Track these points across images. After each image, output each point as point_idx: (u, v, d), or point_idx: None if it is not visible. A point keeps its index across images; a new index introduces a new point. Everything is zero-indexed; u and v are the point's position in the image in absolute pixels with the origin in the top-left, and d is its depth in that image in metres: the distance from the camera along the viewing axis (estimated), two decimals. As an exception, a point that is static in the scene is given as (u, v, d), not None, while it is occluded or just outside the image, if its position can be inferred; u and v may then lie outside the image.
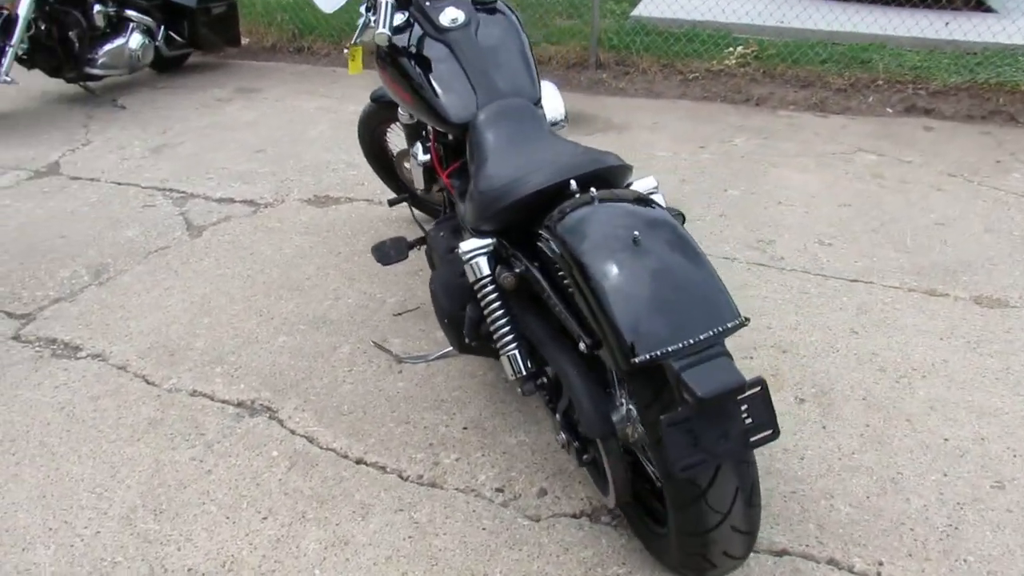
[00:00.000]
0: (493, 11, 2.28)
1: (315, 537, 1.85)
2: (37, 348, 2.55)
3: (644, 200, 1.57)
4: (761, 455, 2.00)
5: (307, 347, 2.53)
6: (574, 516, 1.87)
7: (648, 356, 1.31)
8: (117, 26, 5.11)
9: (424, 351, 2.48)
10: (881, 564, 1.73)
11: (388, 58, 2.24)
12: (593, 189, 1.56)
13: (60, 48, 4.83)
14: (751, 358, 2.46)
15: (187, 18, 5.53)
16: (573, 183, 1.62)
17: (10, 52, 4.52)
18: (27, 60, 4.82)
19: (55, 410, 2.26)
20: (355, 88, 5.31)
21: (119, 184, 3.82)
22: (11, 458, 2.09)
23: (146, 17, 5.28)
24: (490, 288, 1.75)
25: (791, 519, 1.84)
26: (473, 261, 1.74)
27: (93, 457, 2.09)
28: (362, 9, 2.25)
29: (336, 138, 4.38)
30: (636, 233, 1.41)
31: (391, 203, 2.92)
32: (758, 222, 3.36)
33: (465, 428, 2.16)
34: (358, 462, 2.07)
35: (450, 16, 2.16)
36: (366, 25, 2.23)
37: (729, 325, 1.34)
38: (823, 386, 2.29)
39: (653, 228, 1.45)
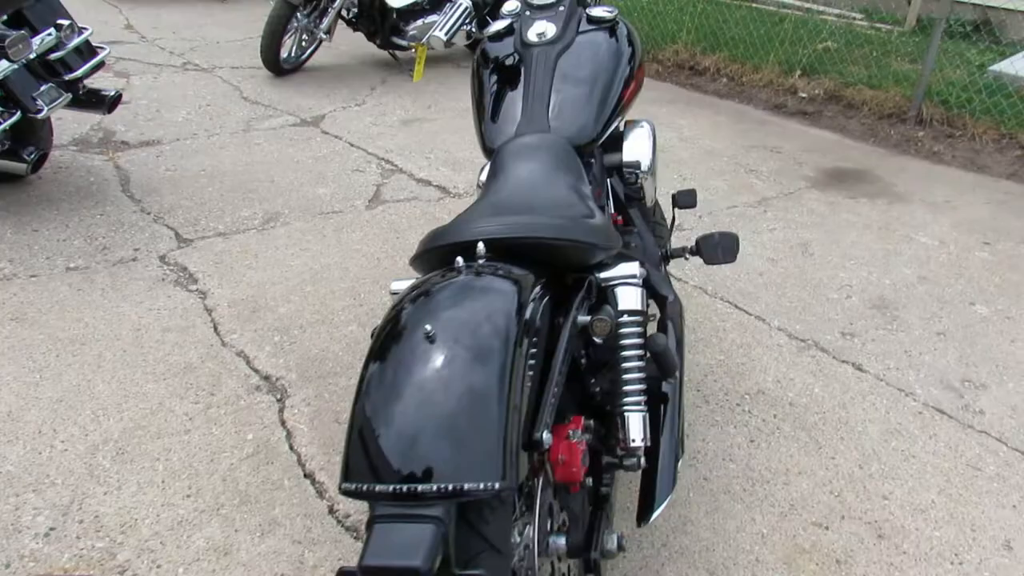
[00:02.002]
0: (608, 31, 1.94)
1: (208, 535, 1.78)
2: (167, 271, 2.83)
3: (514, 291, 1.19)
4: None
5: (364, 344, 2.46)
6: None
7: (355, 487, 0.99)
8: (439, 2, 5.45)
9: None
10: None
11: (474, 65, 2.03)
12: (458, 261, 1.22)
13: (379, 16, 5.31)
14: (825, 528, 1.84)
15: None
16: (480, 246, 1.30)
17: (331, 13, 5.07)
18: (353, 23, 5.39)
19: (131, 329, 2.48)
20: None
21: (351, 145, 4.10)
22: (70, 358, 2.33)
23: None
24: None
25: None
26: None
27: (120, 383, 2.25)
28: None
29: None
30: (429, 328, 1.07)
31: None
32: (982, 358, 2.52)
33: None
34: (307, 476, 1.95)
35: (538, 30, 1.89)
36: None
37: (467, 487, 0.96)
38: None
39: (472, 329, 1.09)
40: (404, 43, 5.41)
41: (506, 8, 2.03)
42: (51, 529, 1.79)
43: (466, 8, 1.88)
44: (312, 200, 3.45)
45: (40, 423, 2.08)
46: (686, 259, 2.50)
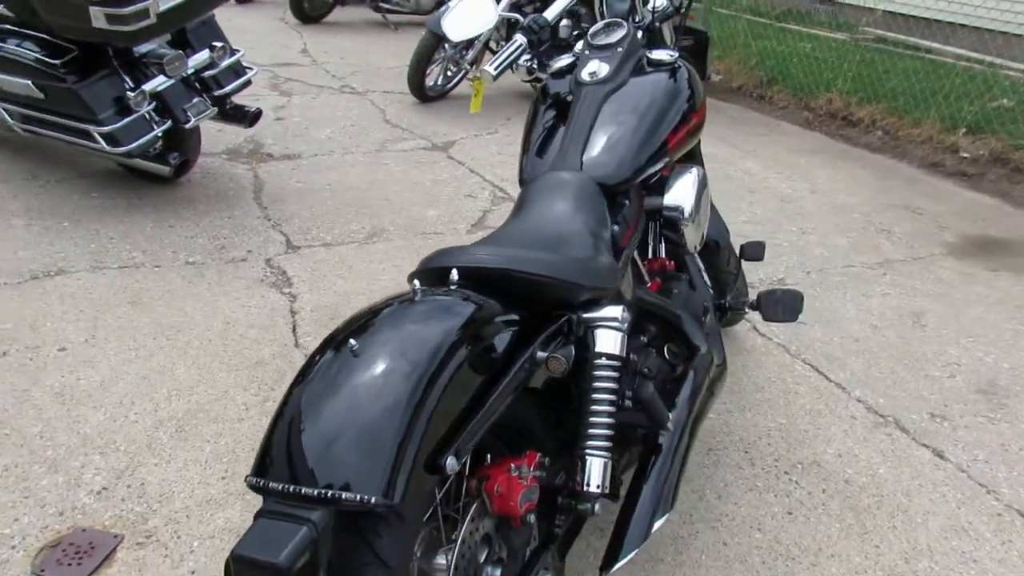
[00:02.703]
0: (668, 74, 1.93)
1: (228, 516, 1.92)
2: (268, 273, 3.07)
3: (460, 318, 1.21)
4: None
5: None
6: None
7: (254, 481, 1.05)
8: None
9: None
10: None
11: (534, 99, 2.08)
12: (414, 284, 1.26)
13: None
14: (838, 621, 1.70)
15: (651, 45, 5.73)
16: (454, 273, 1.34)
17: (478, 45, 5.30)
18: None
19: (222, 322, 2.72)
20: (773, 147, 4.93)
21: (471, 171, 4.26)
22: (164, 342, 2.59)
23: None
24: None
25: None
26: None
27: (198, 369, 2.47)
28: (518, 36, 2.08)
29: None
30: (353, 342, 1.12)
31: None
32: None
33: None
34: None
35: (591, 69, 1.91)
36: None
37: (344, 496, 0.99)
38: None
39: (397, 349, 1.13)
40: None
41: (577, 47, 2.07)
42: (104, 488, 2.00)
43: (520, 45, 1.93)
44: (419, 220, 3.62)
45: (123, 395, 2.33)
46: (746, 313, 2.41)
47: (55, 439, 2.14)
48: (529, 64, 2.04)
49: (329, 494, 1.00)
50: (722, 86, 6.38)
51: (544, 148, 1.85)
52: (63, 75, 3.11)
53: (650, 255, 2.08)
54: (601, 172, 1.74)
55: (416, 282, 1.26)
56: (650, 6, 2.12)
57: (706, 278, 2.17)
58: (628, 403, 1.57)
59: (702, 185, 1.94)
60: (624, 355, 1.43)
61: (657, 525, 1.50)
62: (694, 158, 2.56)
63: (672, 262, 2.13)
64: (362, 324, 1.19)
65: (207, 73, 3.47)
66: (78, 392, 2.32)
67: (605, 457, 1.39)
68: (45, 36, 3.18)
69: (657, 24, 2.14)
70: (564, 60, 2.03)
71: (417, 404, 1.08)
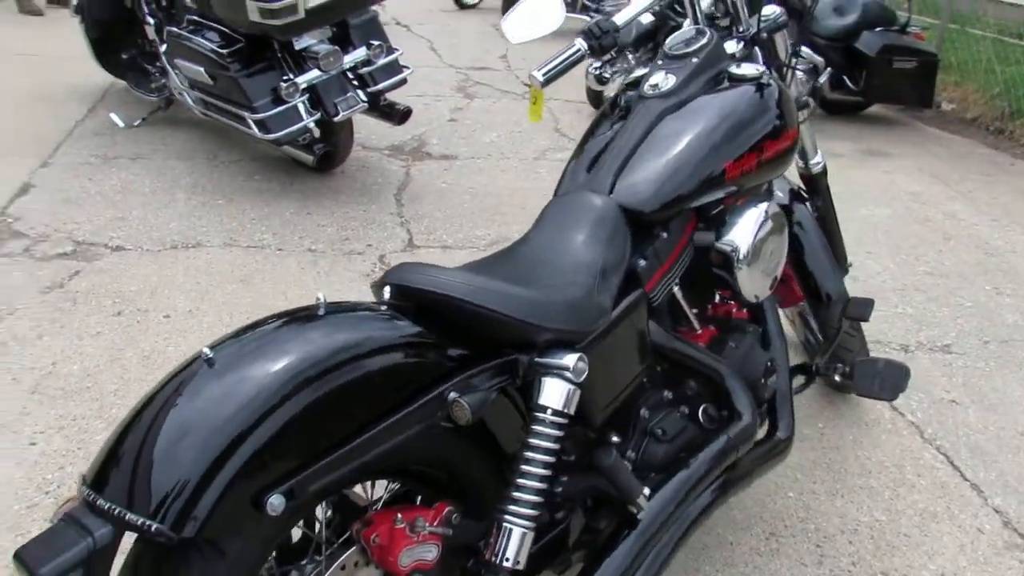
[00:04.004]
0: (753, 91, 1.64)
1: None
2: (376, 268, 3.08)
3: (352, 339, 1.07)
4: None
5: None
6: None
7: (79, 486, 0.98)
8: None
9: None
10: None
11: (600, 110, 1.86)
12: (318, 298, 1.14)
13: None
14: None
15: (865, 66, 5.14)
16: (387, 291, 1.21)
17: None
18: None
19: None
20: (994, 190, 4.21)
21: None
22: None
23: (817, 56, 5.12)
24: None
25: None
26: None
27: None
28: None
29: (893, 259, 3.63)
30: (208, 352, 1.01)
31: None
32: None
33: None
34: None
35: (655, 81, 1.67)
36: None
37: (128, 517, 0.89)
38: None
39: (249, 365, 1.01)
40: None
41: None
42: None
43: (578, 50, 1.72)
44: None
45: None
46: (836, 381, 2.01)
47: (126, 399, 2.27)
48: (599, 72, 1.85)
49: (116, 511, 0.90)
50: (952, 116, 5.59)
51: (585, 164, 1.65)
52: (228, 64, 3.34)
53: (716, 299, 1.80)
54: (631, 198, 1.50)
55: (321, 295, 1.14)
56: (759, 14, 1.82)
57: (783, 333, 1.82)
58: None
59: (771, 223, 1.62)
60: (569, 411, 1.21)
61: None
62: (819, 192, 2.20)
63: (745, 309, 1.82)
64: (244, 333, 1.09)
65: (364, 70, 3.57)
66: (163, 359, 2.46)
67: (526, 528, 1.18)
68: (221, 28, 3.45)
69: (764, 35, 1.84)
70: (641, 71, 1.81)
71: (249, 428, 0.95)
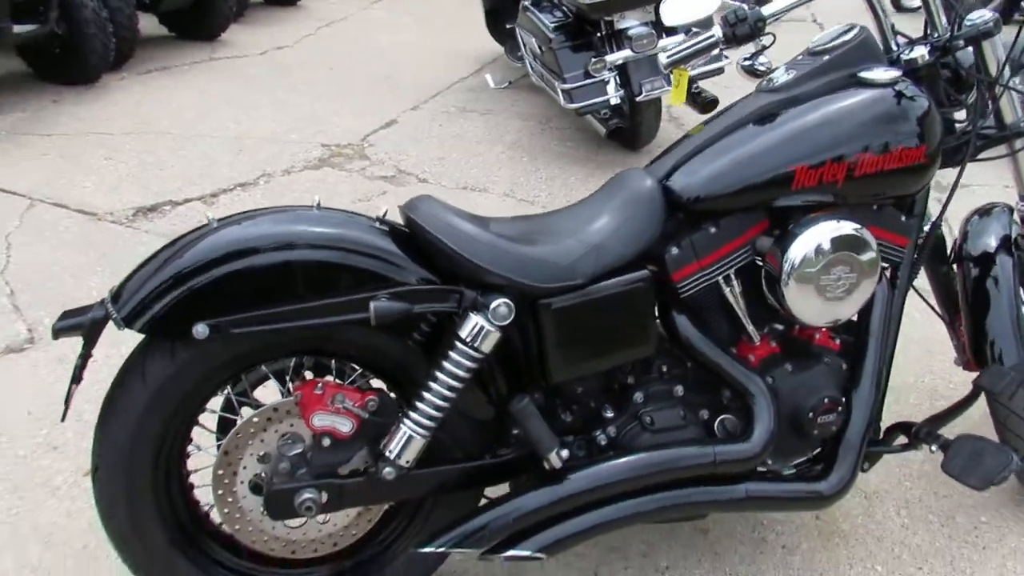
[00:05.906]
0: (889, 97, 1.47)
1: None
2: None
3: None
4: None
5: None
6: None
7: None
8: None
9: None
10: None
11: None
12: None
13: None
14: None
15: None
16: (387, 211, 1.43)
17: None
18: None
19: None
20: None
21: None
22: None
23: None
24: None
25: None
26: None
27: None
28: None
29: None
30: (214, 221, 1.32)
31: None
32: None
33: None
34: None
35: (775, 76, 1.59)
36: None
37: (109, 308, 1.25)
38: None
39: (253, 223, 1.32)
40: None
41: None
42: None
43: (711, 36, 1.64)
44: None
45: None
46: (924, 450, 1.67)
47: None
48: (751, 64, 1.76)
49: (109, 305, 1.28)
50: None
51: (672, 147, 1.63)
52: (553, 37, 3.71)
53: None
54: (677, 181, 1.49)
55: (317, 198, 1.40)
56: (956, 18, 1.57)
57: (880, 383, 1.56)
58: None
59: (843, 245, 1.43)
60: (480, 347, 1.30)
61: (456, 550, 1.35)
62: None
63: (838, 341, 1.62)
64: (247, 213, 1.38)
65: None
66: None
67: (415, 433, 1.31)
68: (561, 5, 3.83)
69: (961, 43, 1.57)
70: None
71: (207, 266, 1.24)
